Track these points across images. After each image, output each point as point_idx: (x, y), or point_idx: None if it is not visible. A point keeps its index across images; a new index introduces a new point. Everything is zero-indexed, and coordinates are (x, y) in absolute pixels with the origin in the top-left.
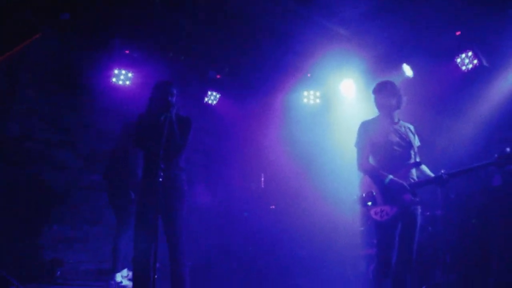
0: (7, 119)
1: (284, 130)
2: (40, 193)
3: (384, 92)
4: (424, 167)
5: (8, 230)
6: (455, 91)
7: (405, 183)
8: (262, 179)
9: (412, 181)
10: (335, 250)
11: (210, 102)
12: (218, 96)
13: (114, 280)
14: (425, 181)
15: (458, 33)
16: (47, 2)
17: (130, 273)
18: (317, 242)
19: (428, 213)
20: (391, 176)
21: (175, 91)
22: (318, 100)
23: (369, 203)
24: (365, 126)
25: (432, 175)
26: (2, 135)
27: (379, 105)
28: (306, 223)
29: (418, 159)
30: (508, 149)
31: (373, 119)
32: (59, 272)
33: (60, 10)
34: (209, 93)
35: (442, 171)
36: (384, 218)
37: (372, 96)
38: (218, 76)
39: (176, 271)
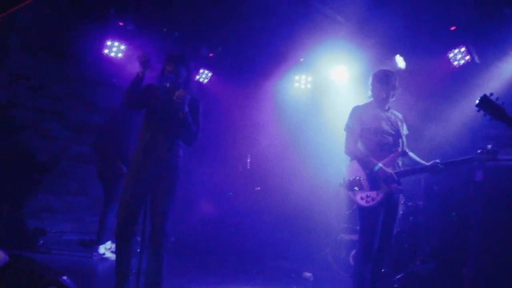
0: None
1: (274, 112)
2: (26, 161)
3: (383, 81)
4: (413, 155)
5: None
6: (445, 85)
7: (392, 172)
8: (249, 160)
9: (398, 169)
10: (318, 234)
11: (201, 80)
12: (210, 74)
13: (97, 252)
14: (418, 169)
15: (452, 28)
16: None
17: (113, 246)
18: (301, 225)
19: (410, 203)
20: (380, 164)
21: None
22: (309, 85)
23: (356, 188)
24: (357, 111)
25: (423, 162)
26: None
27: (376, 92)
28: (291, 206)
29: (405, 148)
30: (489, 146)
31: (365, 104)
32: (41, 241)
33: None
34: (201, 71)
35: (437, 160)
36: (370, 203)
37: (370, 83)
38: (210, 55)
39: (157, 240)
